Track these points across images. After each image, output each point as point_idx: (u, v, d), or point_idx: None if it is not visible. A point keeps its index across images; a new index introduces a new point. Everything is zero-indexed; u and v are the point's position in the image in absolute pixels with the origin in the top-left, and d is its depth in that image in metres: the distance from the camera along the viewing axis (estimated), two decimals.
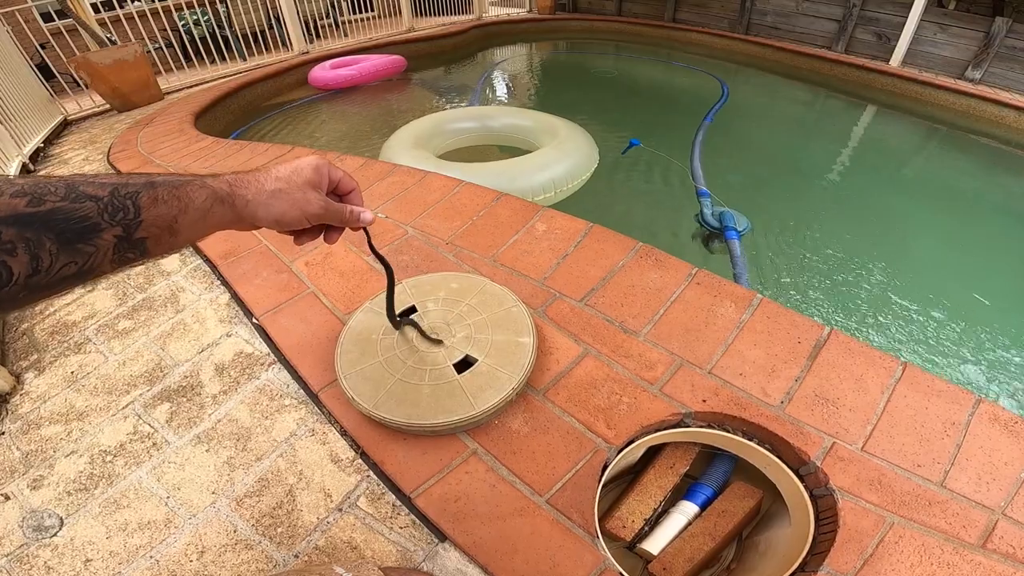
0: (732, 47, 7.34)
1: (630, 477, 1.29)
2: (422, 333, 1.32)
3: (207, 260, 1.87)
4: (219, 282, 1.77)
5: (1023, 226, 3.48)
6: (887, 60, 6.03)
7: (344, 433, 1.26)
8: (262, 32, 6.56)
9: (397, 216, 1.89)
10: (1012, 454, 1.07)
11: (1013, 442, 1.09)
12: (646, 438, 1.19)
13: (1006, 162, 4.46)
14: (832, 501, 1.03)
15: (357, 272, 1.67)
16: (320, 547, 1.07)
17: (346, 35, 7.56)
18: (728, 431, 1.19)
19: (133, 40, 4.74)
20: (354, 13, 8.22)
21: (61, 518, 1.17)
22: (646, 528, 1.18)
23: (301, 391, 1.38)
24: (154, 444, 1.30)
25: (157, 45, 5.80)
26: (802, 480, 1.10)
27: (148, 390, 1.44)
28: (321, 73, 5.51)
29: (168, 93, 5.16)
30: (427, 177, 2.10)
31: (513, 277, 1.58)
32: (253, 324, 1.59)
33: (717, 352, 1.30)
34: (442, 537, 1.06)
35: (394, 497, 1.14)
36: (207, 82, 5.46)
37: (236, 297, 1.68)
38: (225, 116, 4.67)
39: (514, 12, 9.69)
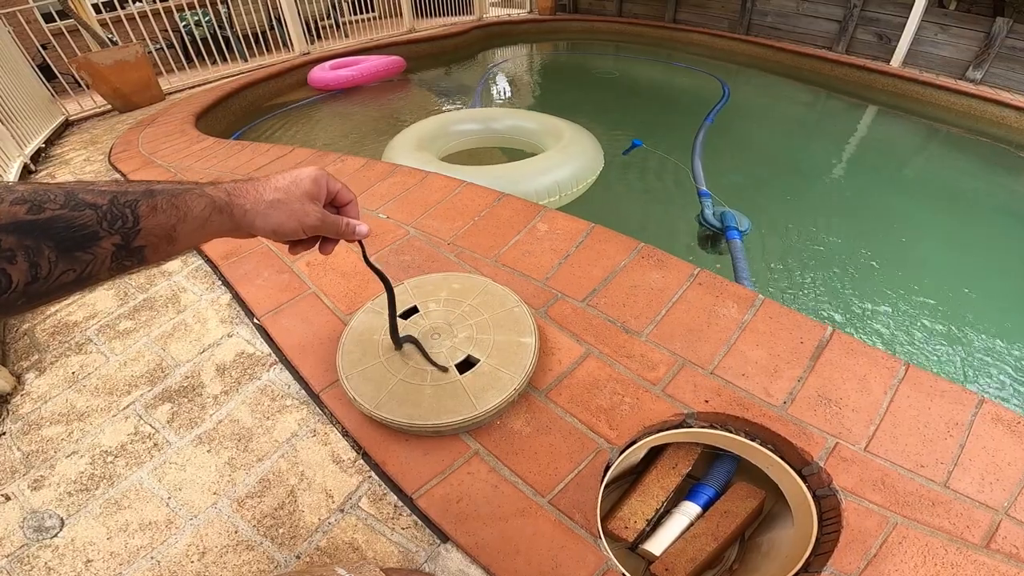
0: (733, 48, 7.34)
1: (632, 478, 1.29)
2: (426, 356, 1.27)
3: (208, 260, 1.86)
4: (220, 282, 1.77)
5: None
6: (888, 60, 6.03)
7: (346, 434, 1.26)
8: (263, 33, 6.57)
9: (398, 216, 1.89)
10: (1015, 454, 1.07)
11: (1016, 442, 1.08)
12: (648, 439, 1.19)
13: (1007, 162, 4.46)
14: (835, 502, 1.03)
15: (358, 272, 1.67)
16: (322, 548, 1.06)
17: (347, 36, 7.56)
18: (730, 431, 1.18)
19: (134, 41, 4.74)
20: (355, 14, 8.22)
21: (62, 519, 1.17)
22: (648, 529, 1.18)
23: (302, 392, 1.38)
24: (155, 445, 1.30)
25: (158, 46, 5.80)
26: (805, 481, 1.10)
27: (149, 390, 1.44)
28: (321, 74, 5.51)
29: (169, 94, 5.16)
30: (428, 177, 2.09)
31: (515, 277, 1.58)
32: (254, 324, 1.58)
33: (719, 352, 1.30)
34: (444, 538, 1.06)
35: (396, 498, 1.13)
36: (208, 83, 5.46)
37: (237, 297, 1.68)
38: (226, 117, 4.67)
39: (515, 13, 9.69)
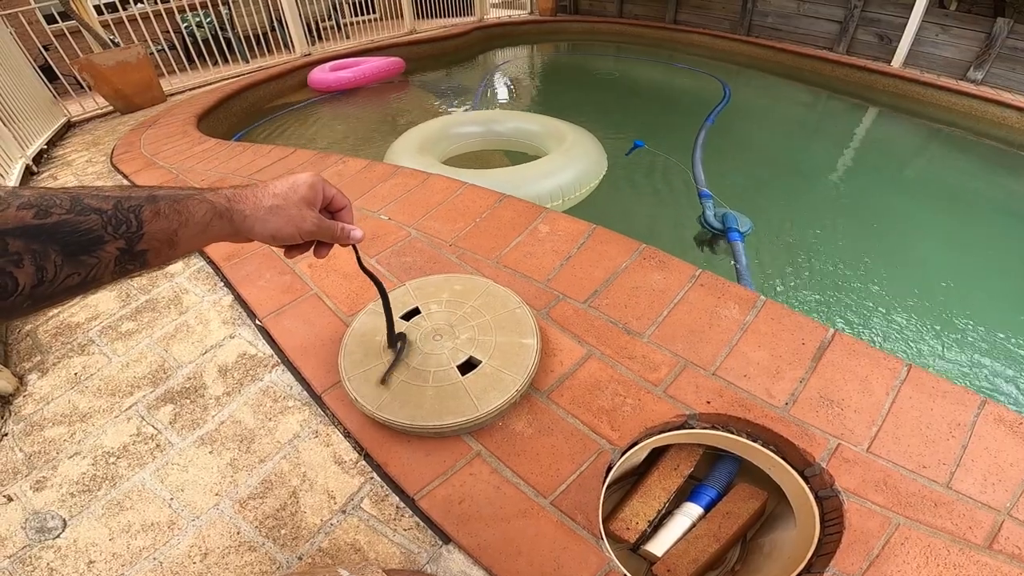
0: (733, 48, 7.34)
1: (634, 479, 1.29)
2: (397, 357, 1.28)
3: (210, 262, 1.87)
4: (222, 284, 1.78)
5: None
6: (889, 61, 6.03)
7: (348, 435, 1.26)
8: (264, 34, 6.57)
9: (400, 218, 1.89)
10: (1018, 455, 1.07)
11: (1019, 443, 1.08)
12: (650, 440, 1.19)
13: (1008, 163, 4.46)
14: (837, 502, 1.03)
15: (360, 274, 1.64)
16: (324, 549, 1.07)
17: (348, 37, 7.57)
18: (732, 433, 1.18)
19: (136, 42, 4.74)
20: (356, 15, 8.23)
21: (64, 520, 1.17)
22: (650, 530, 1.18)
23: (304, 393, 1.38)
24: (157, 446, 1.30)
25: (160, 47, 5.81)
26: (807, 482, 1.10)
27: (151, 392, 1.44)
28: (321, 75, 5.52)
29: (171, 95, 5.17)
30: (430, 179, 2.10)
31: (516, 279, 1.58)
32: (256, 326, 1.59)
33: (721, 354, 1.30)
34: (446, 539, 1.06)
35: (398, 499, 1.13)
36: (210, 84, 5.47)
37: (239, 299, 1.68)
38: (228, 118, 4.68)
39: (515, 14, 9.70)
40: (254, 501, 1.16)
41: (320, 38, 7.17)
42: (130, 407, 1.41)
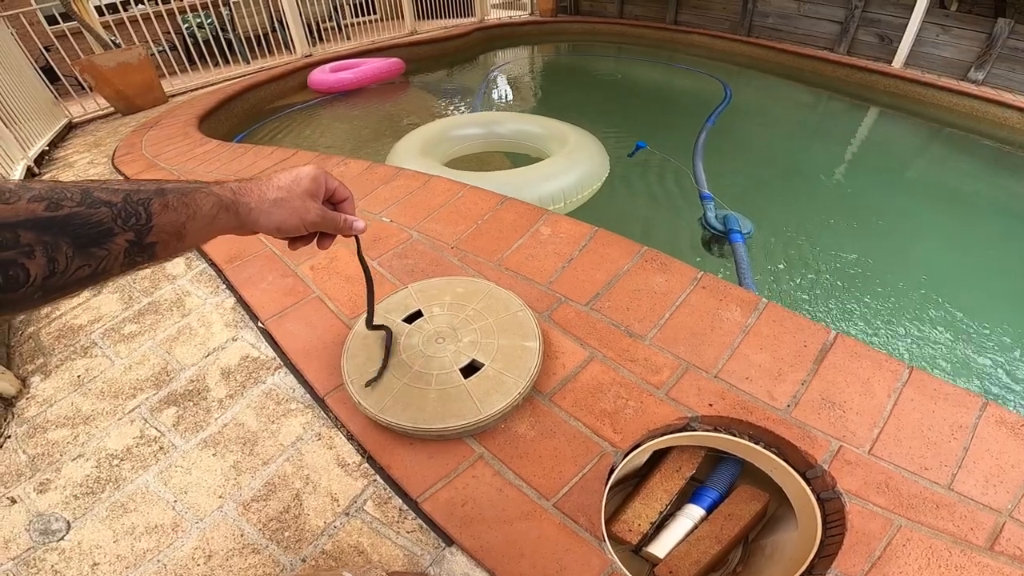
0: (734, 49, 7.34)
1: (636, 480, 1.30)
2: (387, 352, 1.30)
3: (212, 264, 1.87)
4: (224, 286, 1.78)
5: None
6: (889, 62, 6.02)
7: (351, 437, 1.26)
8: (265, 35, 6.58)
9: (401, 220, 1.89)
10: (1019, 456, 1.07)
11: (1020, 445, 1.09)
12: (652, 442, 1.19)
13: (1010, 164, 4.46)
14: (839, 504, 1.03)
15: (362, 276, 1.66)
16: (327, 551, 1.07)
17: (349, 38, 7.58)
18: (734, 435, 1.19)
19: (137, 43, 4.75)
20: (357, 16, 8.23)
21: (68, 522, 1.17)
22: (652, 531, 1.18)
23: (307, 395, 1.38)
24: (161, 448, 1.30)
25: (161, 48, 5.81)
26: (809, 484, 1.10)
27: (154, 394, 1.44)
28: (321, 76, 5.53)
29: (172, 96, 5.17)
30: (431, 181, 2.10)
31: (518, 281, 1.58)
32: (259, 328, 1.59)
33: (723, 356, 1.30)
34: (449, 541, 1.06)
35: (401, 501, 1.14)
36: (211, 85, 5.48)
37: (242, 301, 1.68)
38: (229, 119, 4.68)
39: (516, 15, 9.70)
40: (257, 503, 1.16)
41: (321, 39, 7.18)
42: (133, 409, 1.41)
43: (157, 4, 5.67)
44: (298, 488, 1.18)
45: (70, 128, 4.44)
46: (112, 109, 4.76)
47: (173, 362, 1.53)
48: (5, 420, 1.43)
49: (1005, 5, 5.32)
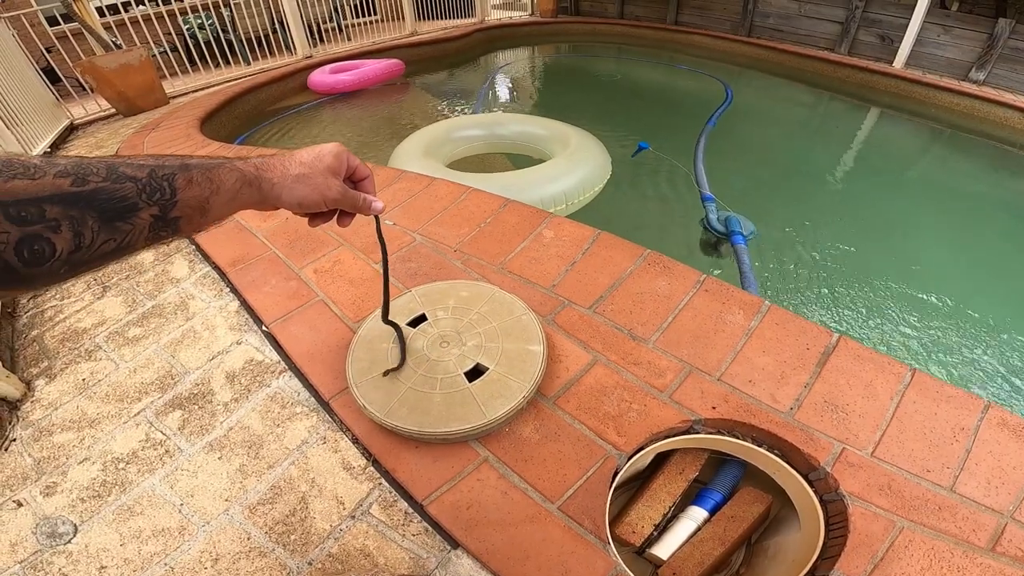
0: (734, 49, 7.34)
1: (639, 482, 1.30)
2: (402, 348, 1.32)
3: (216, 267, 1.88)
4: (228, 289, 1.78)
5: None
6: (890, 62, 6.03)
7: (356, 441, 1.27)
8: (266, 36, 6.58)
9: (404, 223, 1.90)
10: (1021, 458, 1.08)
11: (1022, 446, 1.09)
12: (656, 444, 1.20)
13: (1011, 164, 4.46)
14: (842, 506, 1.04)
15: (366, 280, 1.68)
16: (333, 554, 1.08)
17: (350, 39, 7.58)
18: (737, 437, 1.19)
19: (138, 44, 4.75)
20: (357, 17, 8.24)
21: (75, 525, 1.18)
22: (656, 533, 1.19)
23: (312, 399, 1.39)
24: (166, 451, 1.31)
25: (162, 49, 5.81)
26: (812, 486, 1.11)
27: (159, 397, 1.45)
28: (321, 78, 5.53)
29: (173, 97, 5.17)
30: (434, 183, 2.10)
31: (522, 285, 1.59)
32: (263, 332, 1.60)
33: (726, 359, 1.31)
34: (455, 544, 1.07)
35: (406, 504, 1.14)
36: (212, 86, 5.48)
37: (245, 304, 1.69)
38: (230, 121, 4.69)
39: (516, 15, 9.70)
40: (264, 507, 1.17)
41: (322, 40, 7.18)
42: (138, 413, 1.42)
43: (158, 5, 5.68)
44: (304, 491, 1.19)
45: (71, 129, 4.45)
46: (113, 110, 4.76)
47: (178, 365, 1.54)
48: (10, 423, 1.44)
49: (1006, 5, 5.32)
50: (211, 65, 5.99)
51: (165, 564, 1.09)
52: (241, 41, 6.49)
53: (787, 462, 1.15)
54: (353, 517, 1.13)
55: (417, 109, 5.47)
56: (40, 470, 1.31)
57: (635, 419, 1.21)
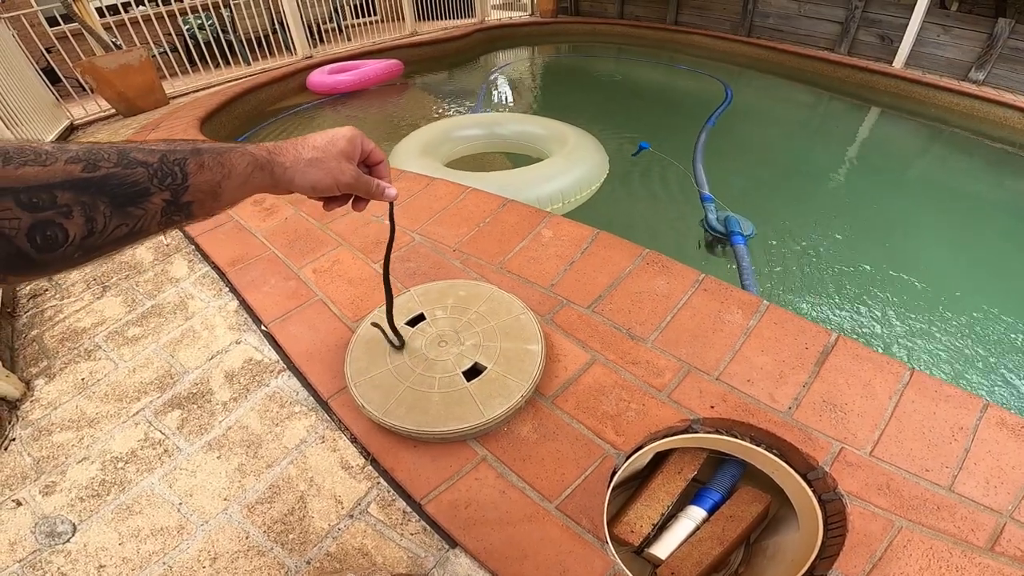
0: (734, 49, 7.34)
1: (638, 482, 1.30)
2: (393, 329, 1.29)
3: (215, 267, 1.88)
4: (227, 289, 1.79)
5: None
6: (890, 62, 6.02)
7: (354, 440, 1.27)
8: (266, 37, 6.58)
9: (403, 223, 1.90)
10: (1020, 458, 1.08)
11: (1021, 446, 1.09)
12: (654, 444, 1.20)
13: (1011, 164, 4.46)
14: (841, 506, 1.04)
15: (365, 279, 1.68)
16: (332, 553, 1.08)
17: (350, 39, 7.58)
18: (736, 437, 1.19)
19: (138, 44, 4.75)
20: (357, 17, 8.24)
21: (74, 524, 1.18)
22: (654, 533, 1.19)
23: (311, 398, 1.39)
24: (165, 451, 1.31)
25: (162, 49, 5.81)
26: (810, 485, 1.11)
27: (158, 397, 1.45)
28: (320, 78, 5.53)
29: (173, 98, 5.17)
30: (433, 183, 2.11)
31: (520, 284, 1.59)
32: (262, 331, 1.60)
33: (725, 358, 1.31)
34: (452, 543, 1.07)
35: (404, 504, 1.14)
36: (212, 87, 5.48)
37: (244, 304, 1.69)
38: (230, 121, 4.69)
39: (516, 15, 9.70)
40: (262, 506, 1.17)
41: (322, 40, 7.18)
42: (137, 412, 1.42)
43: (158, 5, 5.68)
44: (302, 491, 1.19)
45: (71, 130, 4.45)
46: (113, 111, 4.76)
47: (177, 365, 1.54)
48: (10, 423, 1.44)
49: (1006, 5, 5.32)
50: (211, 65, 5.99)
51: (164, 563, 1.09)
52: (241, 41, 6.49)
53: (786, 461, 1.14)
54: (351, 516, 1.13)
55: (417, 109, 5.47)
56: (39, 469, 1.31)
57: (633, 418, 1.21)
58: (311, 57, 6.38)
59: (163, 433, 1.35)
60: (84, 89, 4.90)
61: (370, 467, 1.22)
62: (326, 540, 1.10)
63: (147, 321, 1.72)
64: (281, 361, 1.50)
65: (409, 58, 6.61)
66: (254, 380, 1.46)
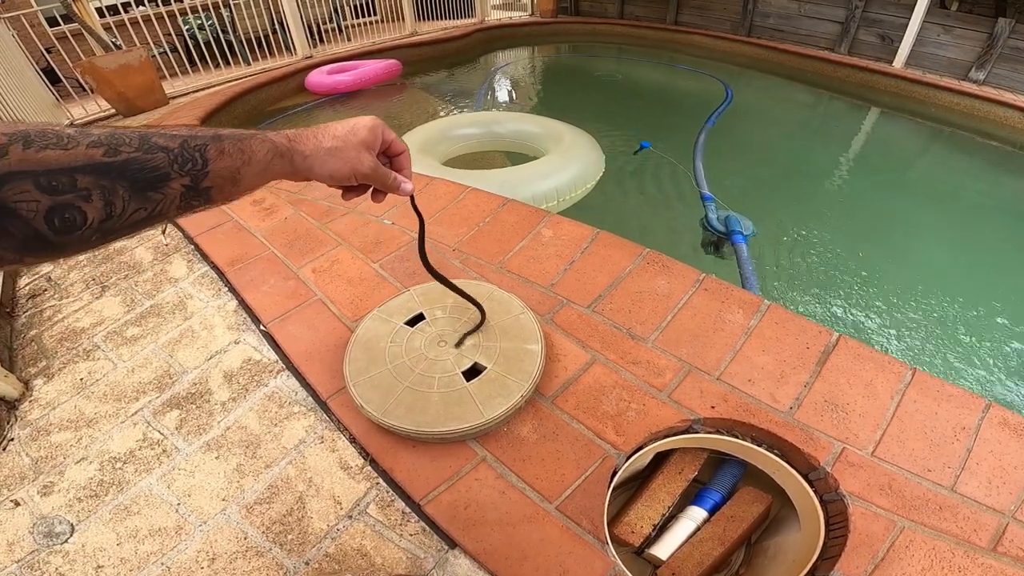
0: (734, 49, 7.34)
1: (638, 482, 1.30)
2: (462, 294, 1.25)
3: (214, 267, 1.87)
4: (226, 289, 1.78)
5: None
6: (890, 62, 6.02)
7: (353, 440, 1.26)
8: (266, 37, 6.57)
9: (403, 222, 1.90)
10: (1022, 458, 1.07)
11: (1023, 446, 1.09)
12: (655, 444, 1.19)
13: (1012, 163, 4.45)
14: (842, 506, 1.03)
15: (364, 279, 1.67)
16: (330, 554, 1.07)
17: (349, 39, 7.58)
18: (737, 437, 1.19)
19: (138, 45, 4.75)
20: (357, 17, 8.23)
21: (72, 524, 1.17)
22: (655, 533, 1.18)
23: (310, 398, 1.38)
24: (164, 451, 1.31)
25: (162, 50, 5.81)
26: (812, 485, 1.10)
27: (157, 397, 1.45)
28: (318, 78, 5.53)
29: (173, 98, 5.17)
30: (433, 183, 2.10)
31: (520, 284, 1.59)
32: (261, 331, 1.59)
33: (726, 358, 1.30)
34: (452, 544, 1.06)
35: (404, 504, 1.14)
36: (212, 87, 5.48)
37: (244, 304, 1.69)
38: (230, 121, 4.69)
39: (516, 15, 9.69)
40: (261, 506, 1.16)
41: (321, 40, 7.18)
42: (136, 412, 1.41)
43: (158, 5, 5.68)
44: (301, 491, 1.18)
45: None
46: (113, 111, 4.76)
47: (175, 365, 1.54)
48: (8, 423, 1.43)
49: (1006, 5, 5.32)
50: (211, 66, 5.98)
51: (162, 564, 1.08)
52: (241, 42, 6.49)
53: (787, 462, 1.14)
54: (350, 517, 1.13)
55: (416, 109, 5.47)
56: (38, 470, 1.30)
57: (634, 418, 1.21)
58: (311, 57, 6.38)
59: (161, 433, 1.35)
60: (84, 89, 4.90)
61: (369, 467, 1.21)
62: (325, 541, 1.09)
63: (146, 321, 1.71)
64: (280, 361, 1.50)
65: (409, 58, 6.61)
66: (253, 380, 1.45)
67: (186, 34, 5.92)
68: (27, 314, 1.84)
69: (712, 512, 1.20)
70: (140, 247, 2.07)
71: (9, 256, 0.41)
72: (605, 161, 3.56)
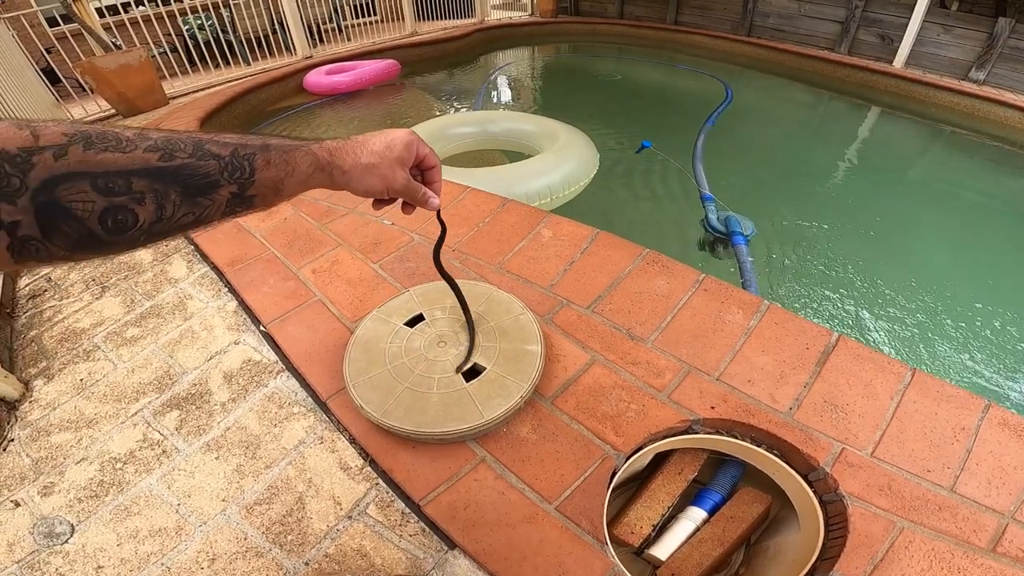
0: (734, 49, 7.33)
1: (638, 483, 1.30)
2: (464, 308, 1.31)
3: (214, 267, 1.87)
4: (226, 289, 1.78)
5: None
6: (890, 61, 6.02)
7: (353, 441, 1.26)
8: (266, 37, 6.57)
9: (403, 223, 1.90)
10: (1022, 458, 1.07)
11: (1023, 447, 1.09)
12: (654, 445, 1.19)
13: (1012, 163, 4.45)
14: (842, 507, 1.03)
15: (364, 280, 1.67)
16: (330, 555, 1.07)
17: (349, 39, 7.58)
18: (736, 437, 1.19)
19: (138, 45, 4.75)
20: (357, 17, 8.23)
21: (72, 525, 1.17)
22: (654, 534, 1.18)
23: (309, 399, 1.38)
24: (164, 452, 1.31)
25: (162, 50, 5.81)
26: (811, 486, 1.10)
27: (157, 398, 1.45)
28: (317, 79, 5.53)
29: (173, 98, 5.17)
30: None
31: (520, 284, 1.59)
32: (261, 332, 1.59)
33: (725, 359, 1.30)
34: (451, 544, 1.06)
35: (403, 505, 1.14)
36: (212, 87, 5.48)
37: (243, 305, 1.69)
38: (230, 121, 4.68)
39: (516, 15, 9.69)
40: (260, 507, 1.16)
41: (321, 40, 7.18)
42: (136, 413, 1.41)
43: (158, 5, 5.68)
44: (301, 492, 1.18)
45: None
46: (113, 111, 4.76)
47: (175, 366, 1.54)
48: (8, 423, 1.43)
49: (1006, 4, 5.31)
50: (211, 66, 5.98)
51: (162, 564, 1.08)
52: (241, 42, 6.49)
53: (786, 462, 1.14)
54: (350, 517, 1.13)
55: (416, 109, 5.47)
56: (38, 470, 1.30)
57: (633, 419, 1.21)
58: (311, 57, 6.38)
59: (161, 434, 1.35)
60: (84, 89, 4.90)
61: (369, 468, 1.21)
62: (324, 541, 1.09)
63: (146, 322, 1.71)
64: (280, 362, 1.50)
65: (409, 58, 6.61)
66: (253, 381, 1.46)
67: (186, 34, 5.92)
68: (27, 315, 1.84)
69: (712, 512, 1.20)
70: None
71: (61, 253, 0.43)
72: (604, 161, 3.56)
